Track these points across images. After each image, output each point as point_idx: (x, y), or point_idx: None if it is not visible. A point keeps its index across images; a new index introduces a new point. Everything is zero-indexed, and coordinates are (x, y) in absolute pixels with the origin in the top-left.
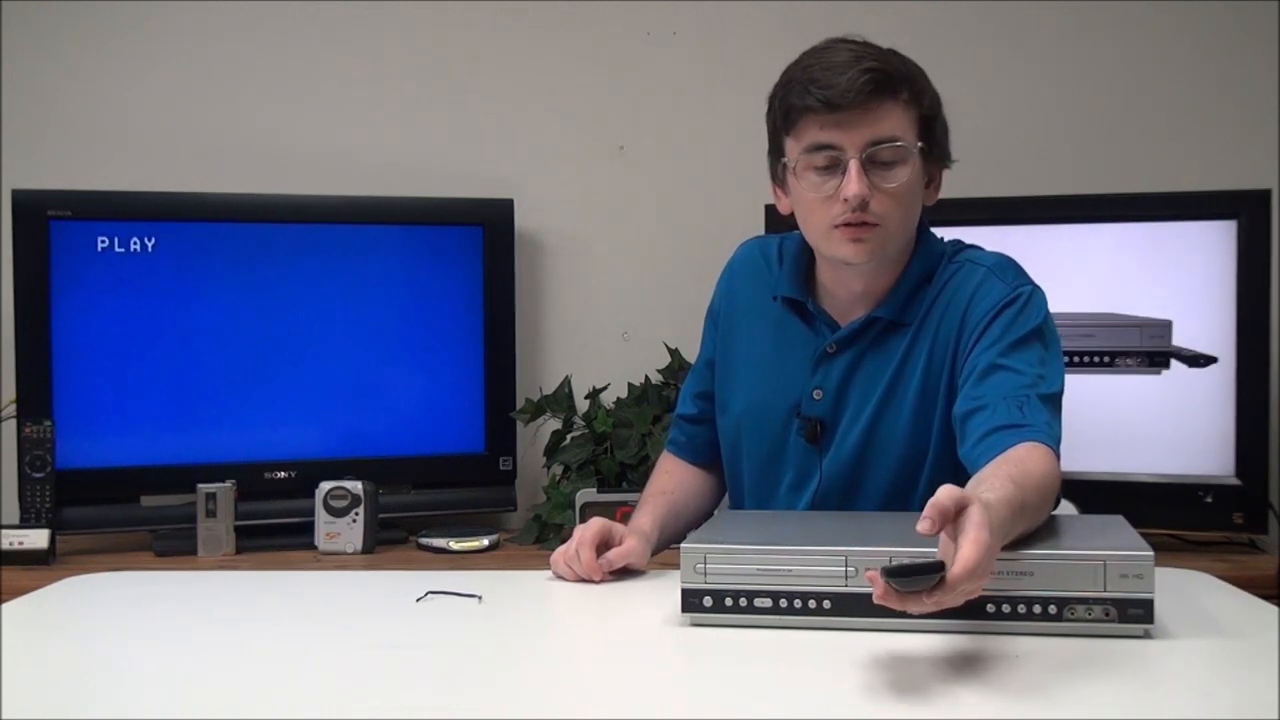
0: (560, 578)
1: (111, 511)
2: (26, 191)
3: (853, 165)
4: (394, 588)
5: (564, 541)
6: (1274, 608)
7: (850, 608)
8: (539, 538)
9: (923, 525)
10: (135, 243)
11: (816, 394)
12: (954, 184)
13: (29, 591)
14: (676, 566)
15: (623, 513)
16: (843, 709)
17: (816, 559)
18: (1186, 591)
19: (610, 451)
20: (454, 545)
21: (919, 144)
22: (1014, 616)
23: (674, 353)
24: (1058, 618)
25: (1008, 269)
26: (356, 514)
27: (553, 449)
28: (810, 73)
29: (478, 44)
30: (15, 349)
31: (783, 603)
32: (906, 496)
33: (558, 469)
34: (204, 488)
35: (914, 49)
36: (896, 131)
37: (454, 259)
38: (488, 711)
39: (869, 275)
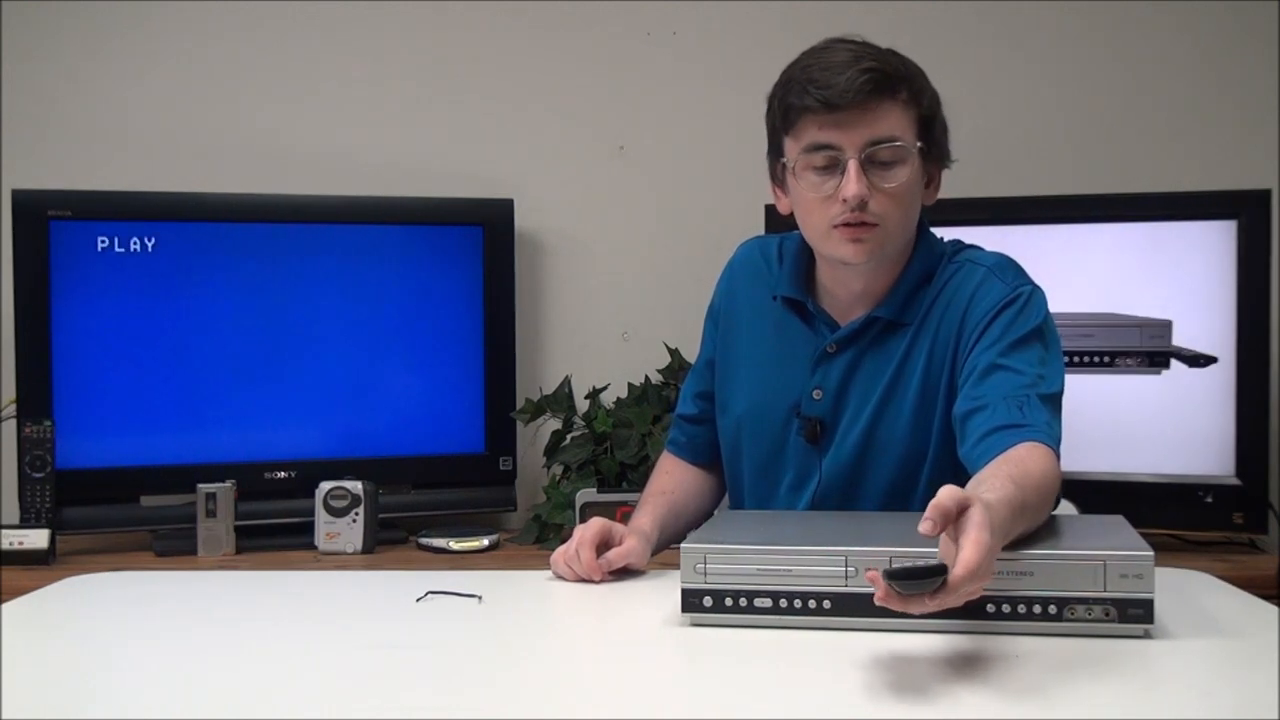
0: (560, 578)
1: (111, 511)
2: (26, 191)
3: (852, 165)
4: (394, 588)
5: (564, 541)
6: (1274, 608)
7: (850, 608)
8: (539, 538)
9: (924, 526)
10: (135, 243)
11: (816, 394)
12: (954, 184)
13: (29, 591)
14: (676, 566)
15: (623, 513)
16: (843, 709)
17: (816, 559)
18: (1186, 591)
19: (610, 451)
20: (454, 545)
21: (918, 144)
22: (1014, 616)
23: (674, 353)
24: (1058, 618)
25: (1008, 269)
26: (356, 514)
27: (553, 449)
28: (809, 73)
29: (478, 44)
30: (15, 349)
31: (783, 603)
32: (906, 496)
33: (558, 469)
34: (204, 488)
35: (914, 49)
36: (895, 131)
37: (454, 259)
38: (488, 711)
39: (868, 275)
